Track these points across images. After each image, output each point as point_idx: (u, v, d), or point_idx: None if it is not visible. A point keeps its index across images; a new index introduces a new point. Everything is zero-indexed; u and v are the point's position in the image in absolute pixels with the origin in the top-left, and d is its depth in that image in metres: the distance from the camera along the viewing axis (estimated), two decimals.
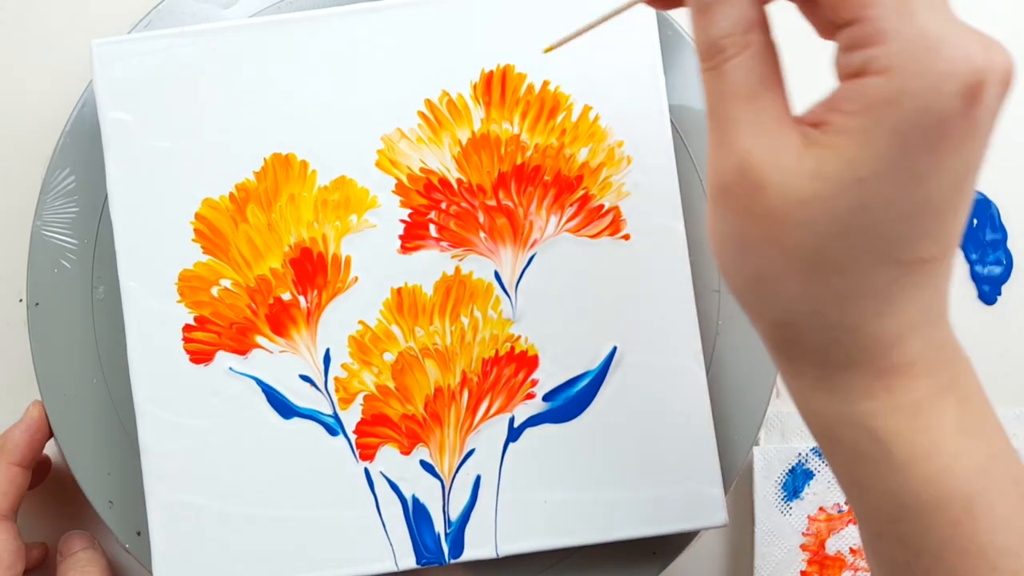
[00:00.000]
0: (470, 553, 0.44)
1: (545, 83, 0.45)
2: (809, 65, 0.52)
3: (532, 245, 0.45)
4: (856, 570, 0.49)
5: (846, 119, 0.28)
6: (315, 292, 0.44)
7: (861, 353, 0.30)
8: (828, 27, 0.32)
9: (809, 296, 0.30)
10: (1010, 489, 0.31)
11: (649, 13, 0.45)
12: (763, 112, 0.30)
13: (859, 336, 0.30)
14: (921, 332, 0.30)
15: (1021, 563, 0.30)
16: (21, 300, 0.49)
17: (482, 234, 0.45)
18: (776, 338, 0.32)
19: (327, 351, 0.44)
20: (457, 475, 0.44)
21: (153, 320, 0.44)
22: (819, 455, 0.49)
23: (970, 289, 0.51)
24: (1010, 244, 0.51)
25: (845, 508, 0.49)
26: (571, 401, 0.44)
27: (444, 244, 0.44)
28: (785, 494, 0.49)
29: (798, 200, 0.29)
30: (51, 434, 0.46)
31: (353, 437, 0.44)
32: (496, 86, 0.44)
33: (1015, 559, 0.30)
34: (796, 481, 0.49)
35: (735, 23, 0.30)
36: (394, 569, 0.44)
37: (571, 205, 0.45)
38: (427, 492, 0.44)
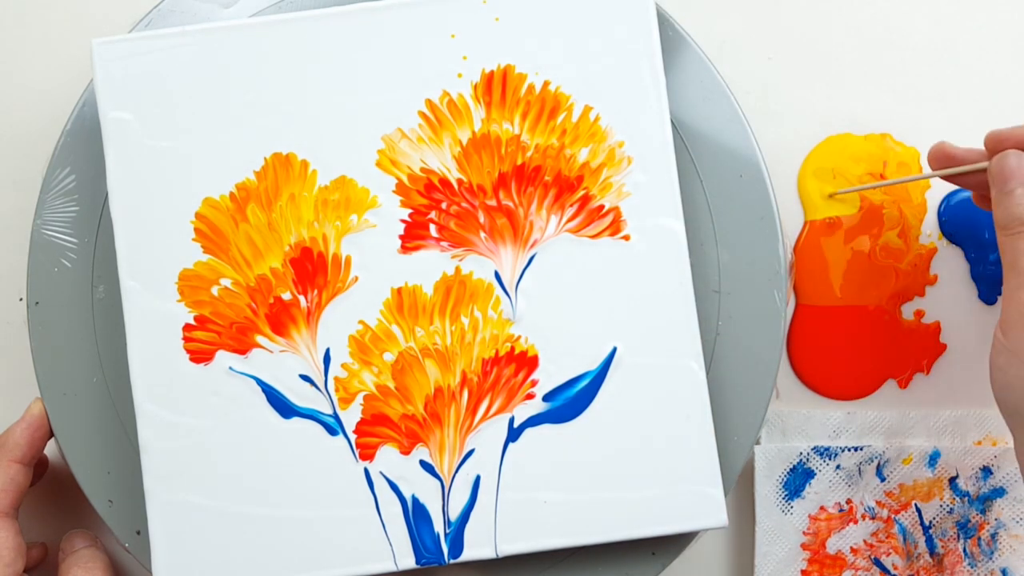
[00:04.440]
0: (469, 553, 0.44)
1: (545, 83, 0.45)
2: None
3: (532, 245, 0.45)
4: (856, 569, 0.49)
5: None
6: (315, 292, 0.44)
7: None
8: None
9: None
10: None
11: (650, 13, 0.45)
12: None
13: None
14: None
15: None
16: (21, 299, 0.49)
17: (482, 234, 0.45)
18: None
19: (327, 351, 0.44)
20: (457, 475, 0.44)
21: (153, 319, 0.44)
22: (820, 454, 0.49)
23: (970, 289, 0.51)
24: None
25: (846, 507, 0.49)
26: (571, 401, 0.44)
27: (444, 244, 0.44)
28: (786, 493, 0.49)
29: None
30: (51, 433, 0.46)
31: (353, 437, 0.44)
32: (497, 86, 0.44)
33: None
34: (797, 480, 0.49)
35: None
36: (393, 569, 0.44)
37: (571, 205, 0.45)
38: (427, 492, 0.44)
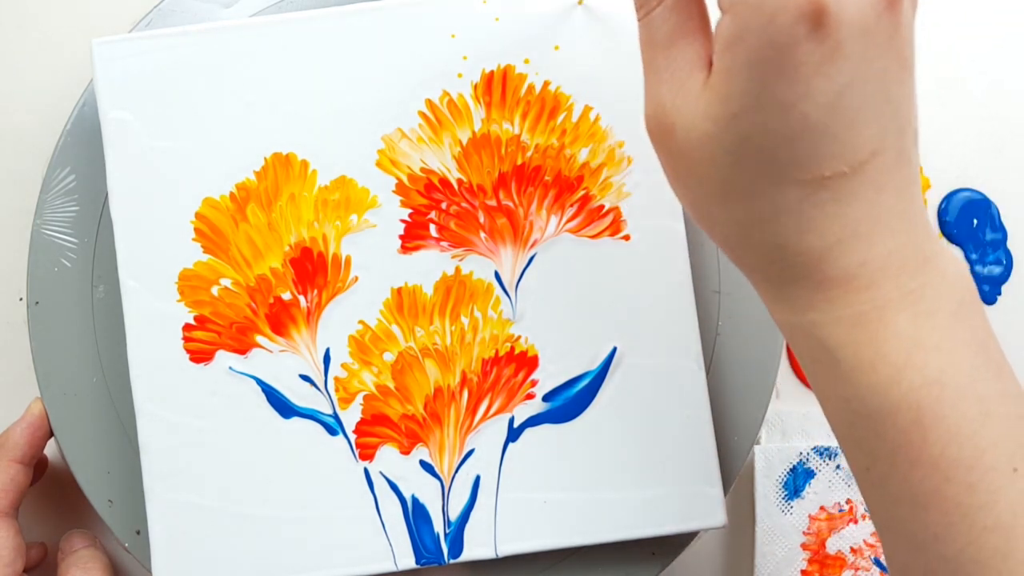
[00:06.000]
0: (469, 553, 0.44)
1: (546, 83, 0.44)
2: None
3: (532, 245, 0.45)
4: (857, 569, 0.49)
5: (715, 59, 0.30)
6: (315, 292, 0.44)
7: (795, 268, 0.31)
8: None
9: (733, 219, 0.32)
10: (968, 404, 0.30)
11: None
12: (676, 59, 0.32)
13: (788, 253, 0.31)
14: (854, 245, 0.31)
15: (975, 476, 0.30)
16: (21, 299, 0.49)
17: (482, 234, 0.45)
18: (729, 257, 0.34)
19: (327, 351, 0.44)
20: (457, 475, 0.44)
21: (153, 319, 0.44)
22: (820, 454, 0.49)
23: None
24: (1010, 244, 0.51)
25: (846, 507, 0.49)
26: (571, 401, 0.44)
27: (444, 244, 0.44)
28: (786, 493, 0.49)
29: (697, 139, 0.31)
30: (51, 433, 0.46)
31: (353, 437, 0.44)
32: (497, 86, 0.44)
33: (968, 471, 0.30)
34: (797, 480, 0.49)
35: None
36: (393, 569, 0.44)
37: (571, 205, 0.45)
38: (427, 492, 0.44)
